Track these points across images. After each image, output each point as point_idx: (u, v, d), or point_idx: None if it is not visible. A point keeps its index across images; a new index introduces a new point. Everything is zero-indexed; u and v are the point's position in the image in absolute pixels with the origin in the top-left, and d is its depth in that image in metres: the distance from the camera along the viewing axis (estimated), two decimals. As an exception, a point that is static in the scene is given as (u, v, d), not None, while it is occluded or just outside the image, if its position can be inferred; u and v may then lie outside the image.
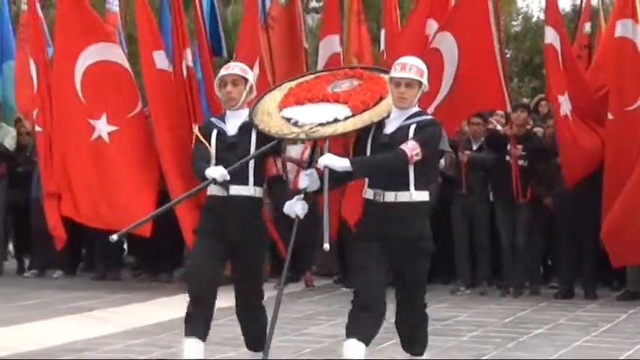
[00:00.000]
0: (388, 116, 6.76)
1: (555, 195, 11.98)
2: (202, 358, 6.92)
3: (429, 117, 6.90)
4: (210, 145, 7.04)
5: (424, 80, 6.75)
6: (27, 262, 13.86)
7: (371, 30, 15.81)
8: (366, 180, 6.79)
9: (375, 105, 6.91)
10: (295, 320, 10.28)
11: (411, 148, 6.50)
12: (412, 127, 6.62)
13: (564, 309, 11.09)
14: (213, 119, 7.36)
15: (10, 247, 14.05)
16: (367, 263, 6.70)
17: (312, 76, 7.60)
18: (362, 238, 6.83)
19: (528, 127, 12.43)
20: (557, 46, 11.86)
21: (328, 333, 9.65)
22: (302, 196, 6.82)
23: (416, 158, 6.51)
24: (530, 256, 12.20)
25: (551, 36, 11.93)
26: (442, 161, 12.22)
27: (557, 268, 12.64)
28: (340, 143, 7.90)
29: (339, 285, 12.58)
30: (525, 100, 15.31)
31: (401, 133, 6.63)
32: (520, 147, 11.85)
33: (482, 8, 11.77)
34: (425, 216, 6.83)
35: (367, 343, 6.75)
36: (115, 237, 6.85)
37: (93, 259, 13.99)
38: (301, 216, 6.82)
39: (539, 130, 12.69)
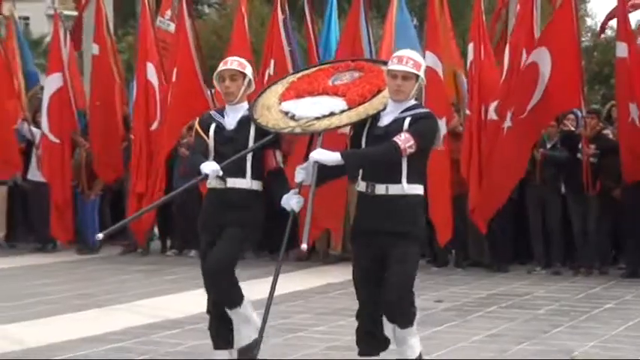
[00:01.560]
0: (384, 109, 6.00)
1: (622, 188, 11.81)
2: None
3: (425, 110, 6.03)
4: (208, 138, 6.44)
5: (421, 74, 5.93)
6: (169, 242, 13.96)
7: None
8: (360, 172, 6.03)
9: (372, 97, 6.15)
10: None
11: (404, 140, 5.74)
12: (407, 120, 5.84)
13: (630, 287, 10.89)
14: (212, 113, 6.67)
15: (155, 229, 14.19)
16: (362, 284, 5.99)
17: (314, 69, 6.81)
18: (355, 233, 6.09)
19: (598, 128, 12.26)
20: (628, 59, 11.68)
21: (421, 306, 9.48)
22: (297, 190, 6.05)
23: (409, 151, 5.74)
24: (600, 241, 12.04)
25: (622, 50, 11.76)
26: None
27: (624, 251, 12.42)
28: (335, 137, 7.07)
29: (430, 265, 12.49)
30: (595, 106, 15.06)
31: (396, 126, 5.86)
32: (593, 146, 11.73)
33: (571, 23, 11.65)
34: (419, 209, 6.01)
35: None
36: (100, 235, 6.31)
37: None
38: (297, 210, 6.05)
39: (609, 132, 12.51)
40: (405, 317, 5.86)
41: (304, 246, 5.72)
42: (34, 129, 13.73)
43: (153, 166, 13.03)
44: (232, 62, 6.48)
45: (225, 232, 6.30)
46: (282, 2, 13.20)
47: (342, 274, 11.50)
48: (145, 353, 7.24)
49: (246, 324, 6.33)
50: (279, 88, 6.62)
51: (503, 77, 11.84)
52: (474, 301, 10.01)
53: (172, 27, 14.12)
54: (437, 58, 12.13)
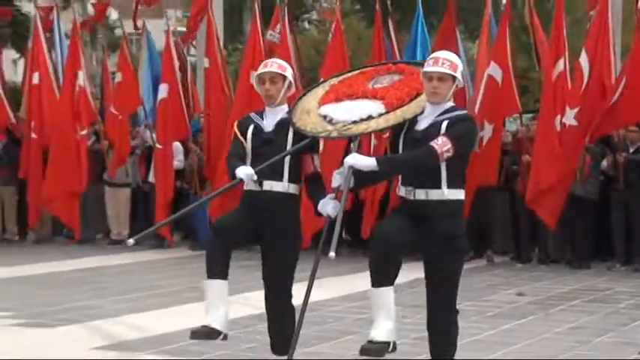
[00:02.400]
0: (422, 112, 5.46)
1: None
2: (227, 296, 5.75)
3: (463, 112, 5.49)
4: (245, 140, 5.88)
5: (458, 75, 5.38)
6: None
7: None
8: (400, 177, 5.54)
9: (410, 101, 5.59)
10: (479, 289, 10.16)
11: (441, 144, 5.20)
12: (444, 123, 5.31)
13: None
14: (252, 115, 6.04)
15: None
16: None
17: (357, 72, 6.21)
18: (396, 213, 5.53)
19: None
20: None
21: (506, 300, 9.53)
22: (334, 195, 5.57)
23: (447, 155, 5.20)
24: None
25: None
26: (604, 162, 11.92)
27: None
28: (370, 142, 6.72)
29: (514, 261, 12.34)
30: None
31: (433, 129, 5.32)
32: None
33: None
34: (459, 214, 5.48)
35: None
36: (131, 241, 5.68)
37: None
38: (332, 216, 5.55)
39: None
40: (449, 344, 5.57)
41: (332, 254, 5.13)
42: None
43: None
44: (272, 64, 5.97)
45: (275, 261, 5.86)
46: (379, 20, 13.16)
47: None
48: (251, 342, 7.29)
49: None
50: (319, 91, 6.11)
51: (584, 85, 11.57)
52: (557, 295, 9.86)
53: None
54: (498, 66, 11.98)
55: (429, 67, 5.37)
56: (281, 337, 5.92)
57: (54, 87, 14.54)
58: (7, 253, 13.36)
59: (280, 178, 5.78)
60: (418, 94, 5.57)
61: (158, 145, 13.71)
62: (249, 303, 8.66)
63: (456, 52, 12.09)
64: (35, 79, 14.41)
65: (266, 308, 6.01)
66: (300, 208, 5.98)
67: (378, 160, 5.36)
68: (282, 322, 5.94)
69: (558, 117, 11.61)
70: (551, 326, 8.05)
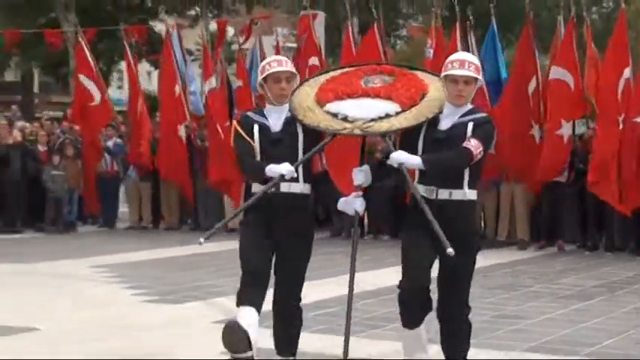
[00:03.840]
0: (441, 112, 4.97)
1: None
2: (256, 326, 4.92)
3: (485, 114, 5.01)
4: (253, 140, 5.08)
5: (480, 76, 4.96)
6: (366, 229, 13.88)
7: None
8: (416, 175, 4.96)
9: (420, 100, 5.06)
10: (551, 273, 10.02)
11: (475, 146, 4.76)
12: (470, 125, 4.84)
13: None
14: (250, 114, 5.22)
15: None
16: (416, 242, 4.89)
17: (338, 72, 5.50)
18: (413, 230, 4.94)
19: None
20: None
21: (575, 283, 9.38)
22: (360, 193, 4.97)
23: (479, 157, 4.79)
24: None
25: None
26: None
27: None
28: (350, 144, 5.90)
29: (582, 249, 12.09)
30: None
31: (458, 131, 4.85)
32: None
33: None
34: (475, 213, 5.15)
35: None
36: (202, 240, 4.90)
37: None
38: (361, 212, 4.98)
39: None
40: (462, 342, 5.06)
41: (450, 250, 4.48)
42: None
43: None
44: (286, 63, 5.16)
45: (288, 264, 5.11)
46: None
47: (509, 256, 11.38)
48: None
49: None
50: (308, 90, 5.34)
51: None
52: (621, 280, 9.64)
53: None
54: (567, 71, 11.74)
55: (454, 71, 4.89)
56: (286, 338, 5.24)
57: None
58: (142, 238, 13.66)
59: (297, 179, 5.04)
60: (424, 95, 5.09)
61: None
62: (347, 284, 8.70)
63: (535, 67, 12.09)
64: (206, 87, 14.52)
65: (273, 310, 5.21)
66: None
67: (423, 160, 4.82)
68: (289, 325, 5.22)
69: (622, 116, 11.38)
70: (618, 307, 7.89)
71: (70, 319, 7.41)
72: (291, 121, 5.11)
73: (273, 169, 4.92)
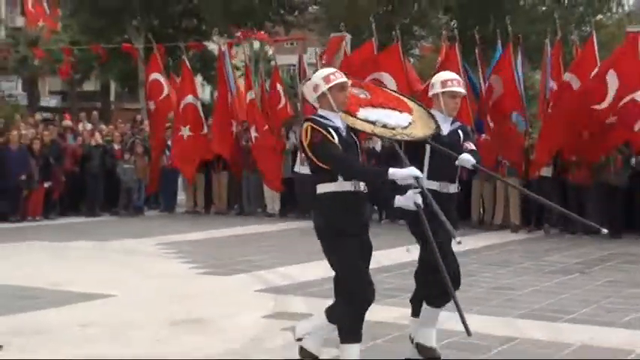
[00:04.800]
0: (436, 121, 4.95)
1: None
2: None
3: (463, 124, 5.14)
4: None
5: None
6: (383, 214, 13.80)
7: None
8: (426, 171, 4.80)
9: (411, 112, 4.93)
10: (538, 251, 9.90)
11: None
12: (460, 132, 4.97)
13: None
14: (319, 118, 4.49)
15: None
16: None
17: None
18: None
19: None
20: None
21: (558, 260, 9.29)
22: (418, 189, 4.38)
23: None
24: None
25: None
26: (632, 159, 11.41)
27: None
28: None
29: (564, 232, 11.91)
30: None
31: (455, 136, 4.94)
32: None
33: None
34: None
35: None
36: (459, 239, 4.28)
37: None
38: (422, 206, 4.37)
39: None
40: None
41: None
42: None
43: None
44: (342, 75, 4.58)
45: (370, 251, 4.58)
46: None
47: (503, 238, 11.26)
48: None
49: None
50: None
51: None
52: (597, 258, 9.52)
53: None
54: (576, 77, 11.58)
55: (455, 88, 4.94)
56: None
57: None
58: (197, 221, 13.66)
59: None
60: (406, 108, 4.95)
61: None
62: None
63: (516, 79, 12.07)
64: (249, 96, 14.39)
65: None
66: None
67: (477, 161, 4.80)
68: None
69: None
70: (593, 281, 7.81)
71: (139, 287, 7.47)
72: (347, 127, 4.58)
73: (410, 173, 4.33)
